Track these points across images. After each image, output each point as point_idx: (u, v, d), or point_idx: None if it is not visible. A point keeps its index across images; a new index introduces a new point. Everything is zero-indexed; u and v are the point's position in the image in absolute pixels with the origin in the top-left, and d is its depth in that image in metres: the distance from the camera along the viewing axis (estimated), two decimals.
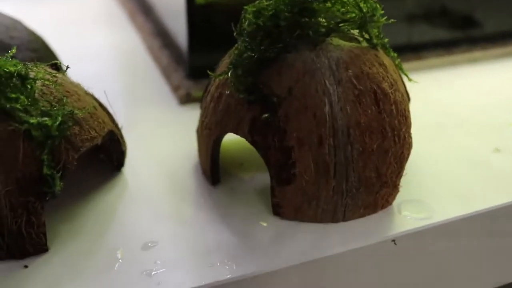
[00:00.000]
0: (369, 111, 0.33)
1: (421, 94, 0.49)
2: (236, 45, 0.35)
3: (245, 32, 0.34)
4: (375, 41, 0.36)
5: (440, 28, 0.60)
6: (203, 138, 0.37)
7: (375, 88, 0.33)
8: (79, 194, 0.37)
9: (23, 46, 0.45)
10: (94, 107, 0.34)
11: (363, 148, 0.33)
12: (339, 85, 0.32)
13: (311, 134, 0.32)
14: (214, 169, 0.37)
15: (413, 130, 0.36)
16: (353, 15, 0.35)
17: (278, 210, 0.35)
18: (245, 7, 0.34)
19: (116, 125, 0.38)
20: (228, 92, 0.34)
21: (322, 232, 0.34)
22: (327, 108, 0.32)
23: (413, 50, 0.58)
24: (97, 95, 0.38)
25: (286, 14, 0.33)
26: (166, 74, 0.54)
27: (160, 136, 0.44)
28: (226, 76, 0.35)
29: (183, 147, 0.42)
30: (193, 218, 0.35)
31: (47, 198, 0.30)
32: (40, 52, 0.47)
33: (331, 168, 0.32)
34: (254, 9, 0.34)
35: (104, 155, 0.39)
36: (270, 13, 0.33)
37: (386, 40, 0.37)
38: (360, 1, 0.35)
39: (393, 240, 0.34)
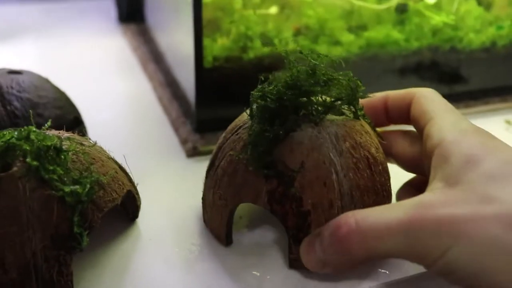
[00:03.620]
0: (365, 174, 0.39)
1: None
2: (250, 126, 0.40)
3: (257, 114, 0.39)
4: (359, 113, 0.42)
5: (427, 85, 0.66)
6: (216, 208, 0.42)
7: (367, 154, 0.40)
8: (99, 244, 0.42)
9: (50, 104, 0.51)
10: (115, 171, 0.40)
11: (363, 205, 0.39)
12: (341, 156, 0.39)
13: (323, 200, 0.38)
14: (228, 233, 0.43)
15: None
16: (344, 94, 0.41)
17: (294, 264, 0.40)
18: (252, 92, 0.40)
19: (132, 184, 0.43)
20: (245, 168, 0.39)
21: (304, 281, 0.39)
22: (334, 176, 0.38)
23: None
24: (112, 145, 0.44)
25: (290, 96, 0.39)
26: (175, 126, 0.60)
27: (169, 188, 0.50)
28: (241, 154, 0.40)
29: (190, 200, 0.48)
30: (199, 267, 0.41)
31: (75, 252, 0.36)
32: (64, 108, 0.52)
33: None
34: (260, 93, 0.39)
35: (121, 207, 0.44)
36: (276, 96, 0.39)
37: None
38: (348, 80, 0.41)
39: None
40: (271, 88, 0.39)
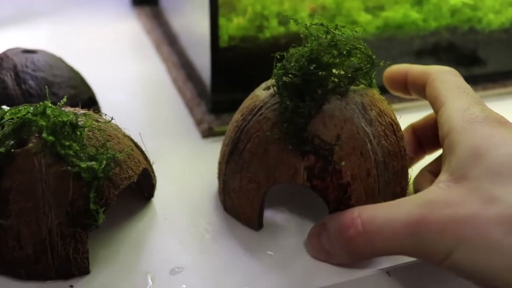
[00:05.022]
0: (392, 140, 0.40)
1: None
2: (280, 104, 0.39)
3: (283, 92, 0.39)
4: (373, 81, 0.42)
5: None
6: (245, 192, 0.41)
7: (390, 120, 0.40)
8: (115, 222, 0.42)
9: (64, 83, 0.51)
10: (131, 148, 0.40)
11: (394, 170, 0.39)
12: (371, 125, 0.39)
13: (361, 170, 0.38)
14: (260, 217, 0.42)
15: None
16: (363, 64, 0.40)
17: None
18: (274, 70, 0.40)
19: (148, 162, 0.43)
20: (277, 147, 0.39)
21: (317, 264, 0.39)
22: (368, 145, 0.38)
23: None
24: (126, 126, 0.43)
25: (313, 70, 0.38)
26: (190, 107, 0.59)
27: (185, 168, 0.50)
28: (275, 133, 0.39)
29: (205, 180, 0.47)
30: (214, 247, 0.41)
31: (91, 229, 0.36)
32: (78, 88, 0.52)
33: (376, 192, 0.39)
34: (283, 71, 0.39)
35: (136, 186, 0.44)
36: (301, 72, 0.38)
37: None
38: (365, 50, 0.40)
39: (388, 272, 0.38)
40: (292, 64, 0.39)
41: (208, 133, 0.54)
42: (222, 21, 0.54)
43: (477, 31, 0.64)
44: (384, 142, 0.39)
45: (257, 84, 0.45)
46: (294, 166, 0.38)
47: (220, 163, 0.44)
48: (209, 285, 0.37)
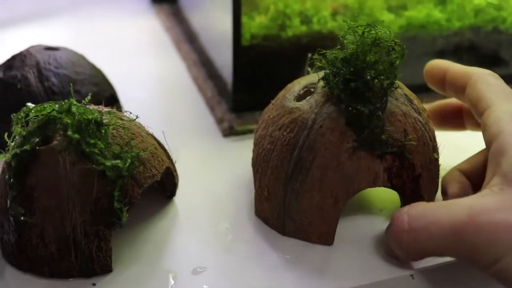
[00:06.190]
0: (431, 124, 0.42)
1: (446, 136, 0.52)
2: (348, 111, 0.39)
3: (348, 98, 0.38)
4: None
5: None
6: (320, 210, 0.39)
7: (423, 106, 0.42)
8: (137, 221, 0.42)
9: (86, 80, 0.51)
10: (155, 147, 0.40)
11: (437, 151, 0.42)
12: (420, 114, 0.40)
13: (426, 158, 0.40)
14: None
15: None
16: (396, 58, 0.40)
17: None
18: (328, 78, 0.39)
19: (171, 161, 0.43)
20: (354, 156, 0.38)
21: (338, 266, 0.39)
22: (426, 134, 0.40)
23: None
24: (147, 123, 0.43)
25: (366, 71, 0.38)
26: (210, 105, 0.59)
27: (206, 167, 0.49)
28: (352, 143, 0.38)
29: (227, 180, 0.47)
30: (236, 247, 0.40)
31: (115, 228, 0.36)
32: (100, 85, 0.52)
33: (435, 176, 0.41)
34: (339, 78, 0.39)
35: (158, 185, 0.44)
36: (357, 76, 0.38)
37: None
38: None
39: (411, 275, 0.38)
40: (345, 69, 0.39)
41: (229, 132, 0.54)
42: (244, 19, 0.53)
43: (501, 31, 0.63)
44: (431, 126, 0.41)
45: (279, 83, 0.45)
46: (374, 170, 0.38)
47: (271, 188, 0.41)
48: (230, 286, 0.37)
